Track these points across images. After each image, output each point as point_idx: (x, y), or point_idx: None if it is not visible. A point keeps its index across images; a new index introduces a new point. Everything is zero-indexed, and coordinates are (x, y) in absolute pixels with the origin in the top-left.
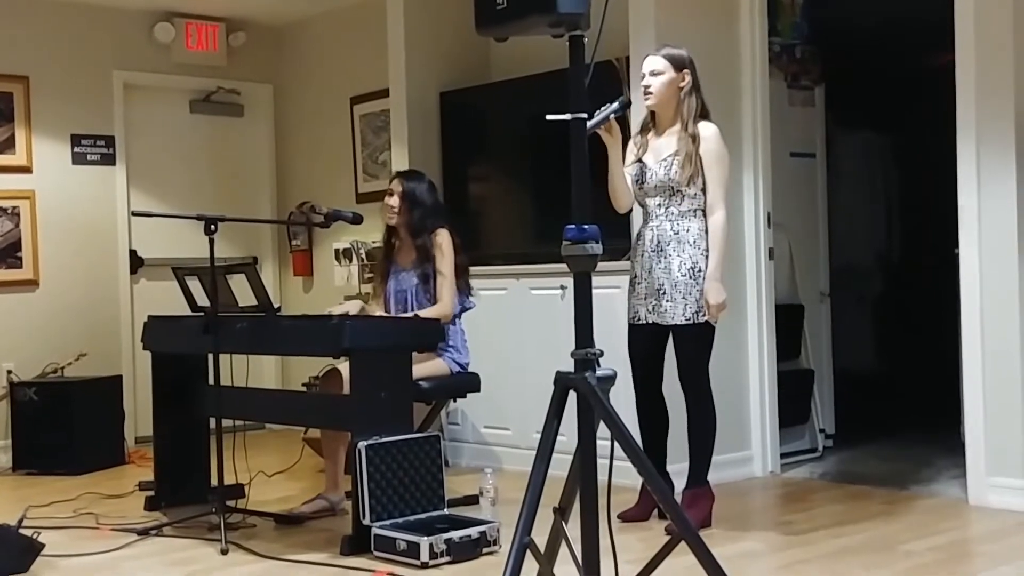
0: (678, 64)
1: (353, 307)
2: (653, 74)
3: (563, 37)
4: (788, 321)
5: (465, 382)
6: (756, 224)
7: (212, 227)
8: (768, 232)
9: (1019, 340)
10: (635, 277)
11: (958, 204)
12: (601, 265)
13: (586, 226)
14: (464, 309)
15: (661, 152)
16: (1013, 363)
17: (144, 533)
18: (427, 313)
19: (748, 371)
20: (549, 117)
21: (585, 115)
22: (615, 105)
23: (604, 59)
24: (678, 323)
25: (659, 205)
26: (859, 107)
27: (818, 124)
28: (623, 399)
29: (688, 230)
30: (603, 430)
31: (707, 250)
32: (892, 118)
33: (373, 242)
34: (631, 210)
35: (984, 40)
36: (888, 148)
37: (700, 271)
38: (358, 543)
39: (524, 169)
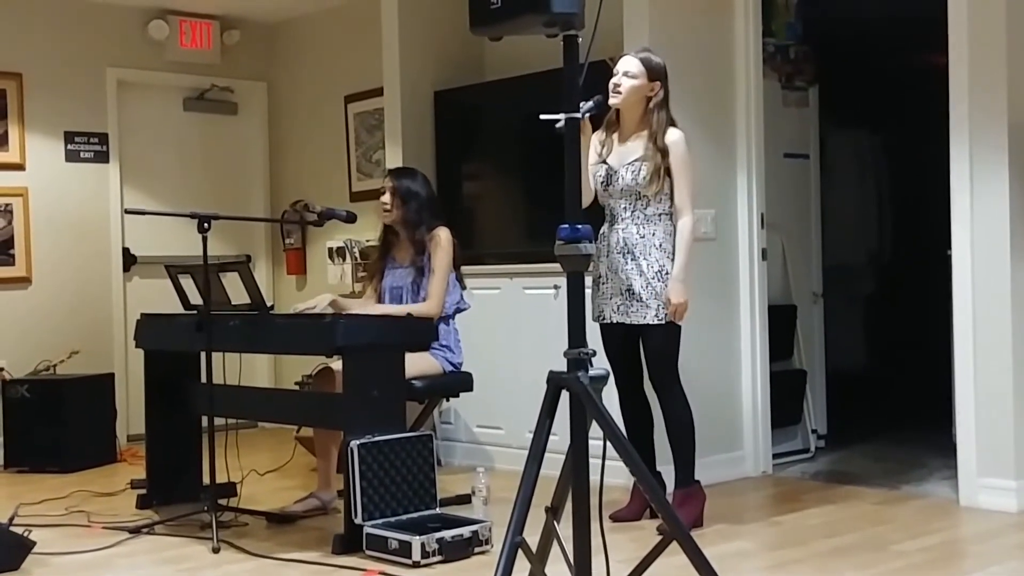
0: (652, 73)
1: (323, 300)
2: (626, 75)
3: (557, 37)
4: (781, 321)
5: (458, 381)
6: (749, 224)
7: (205, 225)
8: (761, 232)
9: (1011, 341)
10: (600, 277)
11: (951, 204)
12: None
13: (579, 226)
14: (459, 310)
15: (626, 156)
16: (1004, 364)
17: (136, 531)
18: (413, 309)
19: (740, 371)
20: (543, 117)
21: (579, 115)
22: (590, 104)
23: (598, 59)
24: (650, 323)
25: (625, 208)
26: (853, 108)
27: (812, 125)
28: (615, 398)
29: (654, 234)
30: (595, 430)
31: (673, 253)
32: (886, 118)
33: (367, 241)
34: (590, 207)
35: (977, 40)
36: (881, 148)
37: (667, 273)
38: (350, 542)
39: (518, 168)
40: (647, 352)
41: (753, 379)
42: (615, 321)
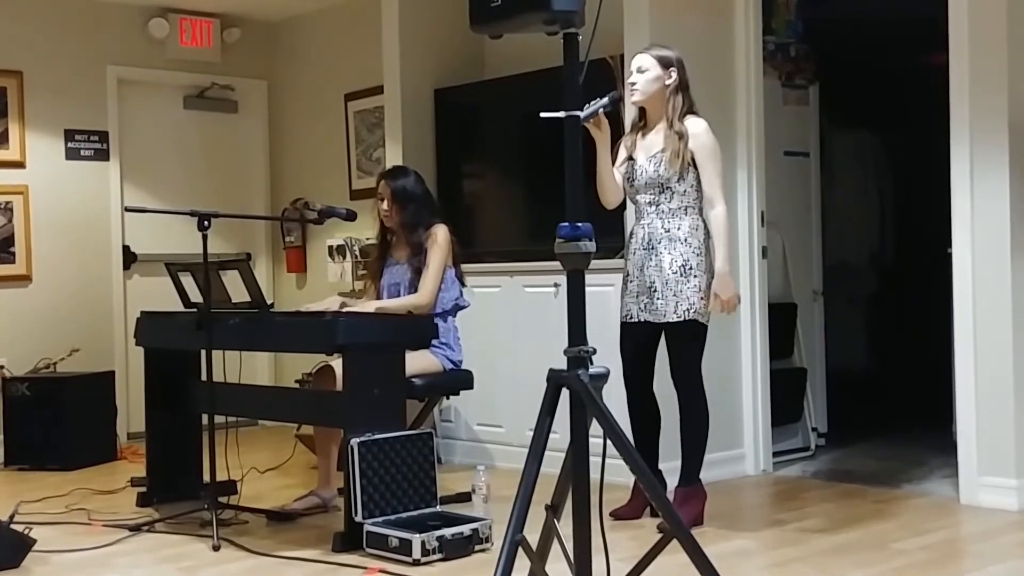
0: (665, 62)
1: (333, 304)
2: (639, 71)
3: (557, 35)
4: (781, 320)
5: (458, 379)
6: (750, 223)
7: (206, 223)
8: (762, 231)
9: (1011, 339)
10: (627, 275)
11: (951, 203)
12: (594, 263)
13: (579, 224)
14: (458, 307)
15: (651, 149)
16: (1005, 362)
17: (136, 529)
18: (405, 301)
19: (741, 369)
20: (543, 115)
21: (580, 113)
22: (604, 100)
23: (598, 57)
24: (670, 321)
25: (649, 203)
26: (853, 106)
27: (812, 123)
28: (616, 397)
29: (679, 227)
30: (595, 428)
31: (699, 248)
32: (886, 117)
33: (367, 239)
34: (619, 206)
35: (978, 39)
36: (882, 147)
37: (691, 268)
38: (350, 540)
39: (518, 167)
40: (670, 351)
41: (753, 377)
42: (641, 319)
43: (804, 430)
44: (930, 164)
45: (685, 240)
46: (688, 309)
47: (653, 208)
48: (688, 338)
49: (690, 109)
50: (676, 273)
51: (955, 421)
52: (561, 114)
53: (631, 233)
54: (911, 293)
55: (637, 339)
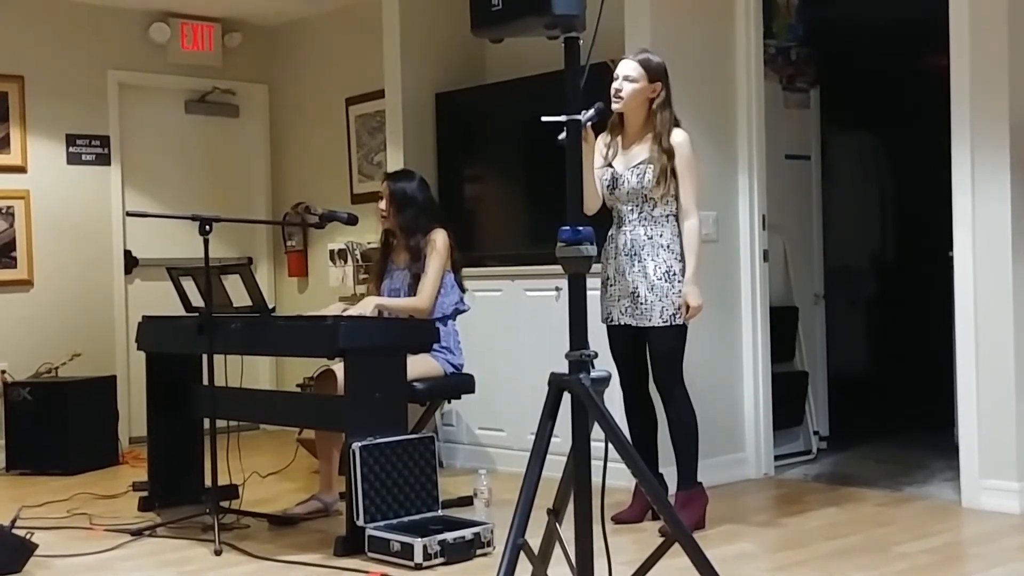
0: (652, 74)
1: (335, 310)
2: (627, 79)
3: (558, 39)
4: (782, 323)
5: (459, 383)
6: (751, 226)
7: (207, 227)
8: (763, 234)
9: (1013, 342)
10: (608, 279)
11: (952, 205)
12: (595, 267)
13: (580, 228)
14: (458, 311)
15: (632, 159)
16: (1006, 365)
17: (138, 534)
18: (405, 303)
19: (742, 373)
20: (544, 119)
21: (580, 117)
22: (591, 112)
23: (599, 61)
24: (656, 324)
25: (632, 211)
26: (854, 109)
27: (813, 126)
28: (617, 400)
29: (661, 235)
30: (597, 431)
31: (681, 254)
32: (887, 120)
33: (368, 243)
34: (597, 212)
35: (979, 42)
36: (883, 150)
37: (675, 274)
38: (352, 544)
39: (519, 170)
40: (652, 353)
41: (755, 381)
42: (622, 323)
43: (805, 433)
44: (931, 166)
45: (667, 247)
46: (674, 314)
47: (635, 216)
48: (671, 341)
49: (675, 123)
50: (661, 279)
51: (956, 424)
52: (562, 118)
53: (609, 238)
54: (912, 295)
55: (624, 342)
